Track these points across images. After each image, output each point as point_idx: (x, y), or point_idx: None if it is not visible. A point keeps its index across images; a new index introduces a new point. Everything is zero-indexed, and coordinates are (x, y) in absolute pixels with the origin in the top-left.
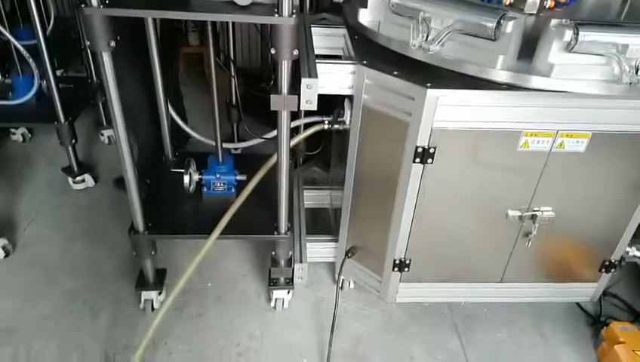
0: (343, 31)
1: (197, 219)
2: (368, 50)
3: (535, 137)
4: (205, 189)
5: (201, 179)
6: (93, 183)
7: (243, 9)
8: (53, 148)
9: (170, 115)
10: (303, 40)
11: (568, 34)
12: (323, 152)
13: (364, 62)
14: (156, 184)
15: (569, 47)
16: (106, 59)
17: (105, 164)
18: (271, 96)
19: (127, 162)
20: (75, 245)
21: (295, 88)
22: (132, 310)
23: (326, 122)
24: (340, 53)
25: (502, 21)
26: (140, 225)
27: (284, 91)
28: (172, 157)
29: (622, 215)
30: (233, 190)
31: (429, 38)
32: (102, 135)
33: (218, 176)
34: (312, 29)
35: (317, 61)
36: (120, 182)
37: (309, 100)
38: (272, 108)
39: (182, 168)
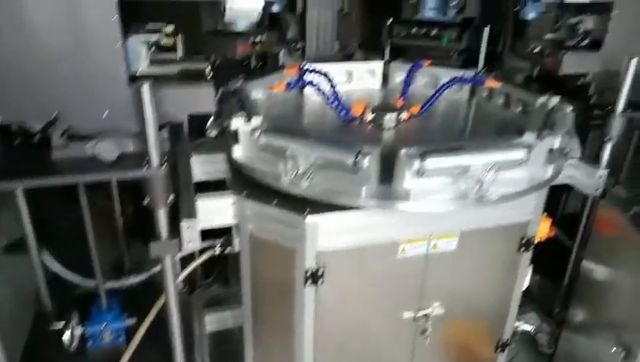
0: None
1: None
2: (249, 178)
3: (411, 244)
4: (91, 342)
5: (84, 332)
6: None
7: (110, 165)
8: None
9: (46, 261)
10: (183, 174)
11: (416, 164)
12: (221, 272)
13: (245, 193)
14: (34, 343)
15: (419, 174)
16: None
17: None
18: (150, 244)
19: None
20: None
21: (176, 225)
22: None
23: (217, 247)
24: (223, 176)
25: (358, 157)
26: None
27: (164, 237)
28: (51, 306)
29: (503, 296)
30: (122, 337)
31: (299, 173)
32: None
33: (104, 325)
34: (193, 156)
35: (197, 195)
36: None
37: (191, 240)
38: (152, 256)
39: (63, 320)
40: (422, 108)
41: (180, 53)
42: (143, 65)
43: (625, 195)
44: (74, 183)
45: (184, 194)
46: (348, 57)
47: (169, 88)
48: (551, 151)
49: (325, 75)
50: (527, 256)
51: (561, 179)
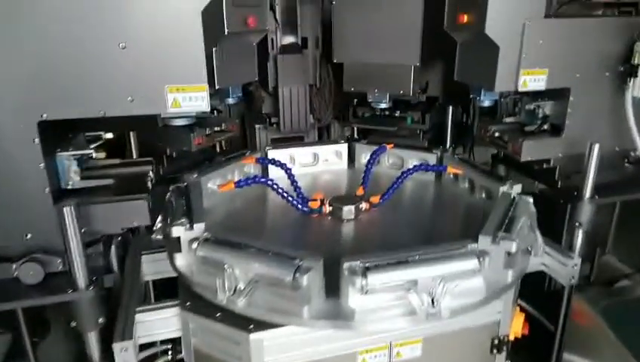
0: None
1: None
2: None
3: (370, 353)
4: None
5: None
6: None
7: (32, 287)
8: None
9: None
10: (128, 281)
11: (358, 282)
12: None
13: (187, 304)
14: None
15: (363, 291)
16: None
17: None
18: None
19: None
20: None
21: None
22: None
23: (169, 356)
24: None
25: (297, 275)
26: None
27: (95, 360)
28: None
29: None
30: None
31: (238, 289)
32: None
33: None
34: (145, 256)
35: (137, 310)
36: None
37: None
38: None
39: None
40: (382, 197)
41: (134, 152)
42: (74, 180)
43: (614, 264)
44: None
45: (123, 308)
46: (325, 129)
47: (99, 203)
48: (509, 254)
49: (283, 165)
50: (503, 356)
51: (533, 267)
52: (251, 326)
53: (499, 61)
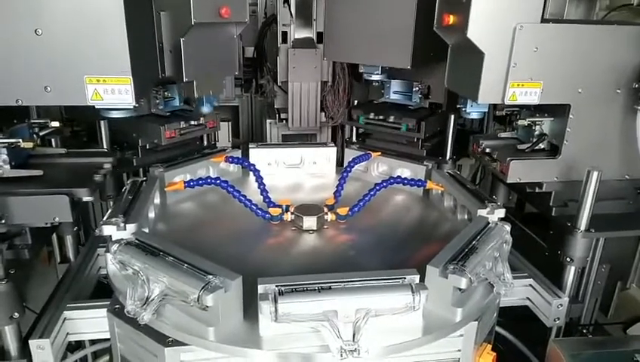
0: None
1: None
2: None
3: None
4: None
5: None
6: None
7: None
8: None
9: None
10: (71, 274)
11: (266, 307)
12: None
13: (116, 307)
14: None
15: (273, 318)
16: None
17: None
18: None
19: None
20: None
21: None
22: None
23: None
24: None
25: (202, 292)
26: None
27: (12, 356)
28: None
29: None
30: None
31: (149, 300)
32: None
33: None
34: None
35: (67, 306)
36: None
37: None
38: None
39: None
40: (351, 209)
41: (104, 142)
42: (3, 168)
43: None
44: None
45: (54, 302)
46: (340, 128)
47: (18, 195)
48: (460, 290)
49: (250, 166)
50: None
51: (517, 301)
52: (170, 340)
53: (483, 69)
